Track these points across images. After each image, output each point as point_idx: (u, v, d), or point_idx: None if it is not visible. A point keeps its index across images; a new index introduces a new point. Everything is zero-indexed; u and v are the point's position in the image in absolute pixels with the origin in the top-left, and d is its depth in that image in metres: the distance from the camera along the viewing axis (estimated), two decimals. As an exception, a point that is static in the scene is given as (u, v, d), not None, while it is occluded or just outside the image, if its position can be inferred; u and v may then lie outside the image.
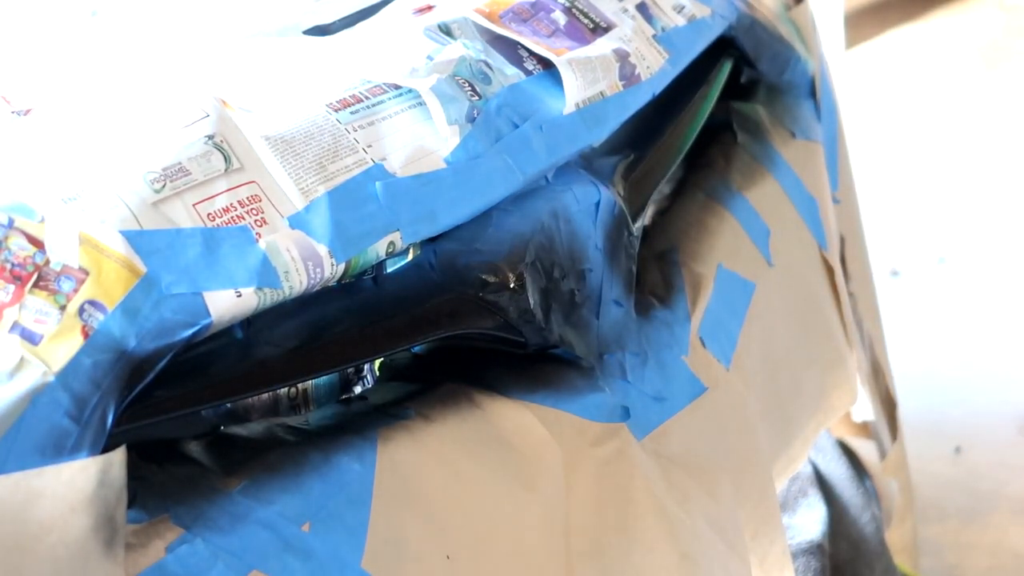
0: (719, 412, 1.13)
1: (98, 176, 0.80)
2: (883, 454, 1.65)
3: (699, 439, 1.10)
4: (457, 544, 0.88)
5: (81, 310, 0.73)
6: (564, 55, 1.05)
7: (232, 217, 0.81)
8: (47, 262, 0.75)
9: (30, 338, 0.73)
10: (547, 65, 1.05)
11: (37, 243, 0.75)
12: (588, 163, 1.20)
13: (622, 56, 1.10)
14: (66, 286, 0.74)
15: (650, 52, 1.15)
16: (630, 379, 1.06)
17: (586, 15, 1.13)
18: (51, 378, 0.71)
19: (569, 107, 1.03)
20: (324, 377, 1.09)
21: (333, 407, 0.95)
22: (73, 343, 0.73)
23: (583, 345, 1.04)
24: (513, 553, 0.91)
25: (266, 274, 0.79)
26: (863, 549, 1.59)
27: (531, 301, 1.00)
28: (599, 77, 1.06)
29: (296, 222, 0.83)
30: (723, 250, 1.24)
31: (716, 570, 1.05)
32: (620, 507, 0.99)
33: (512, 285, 0.99)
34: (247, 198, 0.82)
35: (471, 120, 0.96)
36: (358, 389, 1.09)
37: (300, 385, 1.10)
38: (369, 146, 0.90)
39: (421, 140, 0.93)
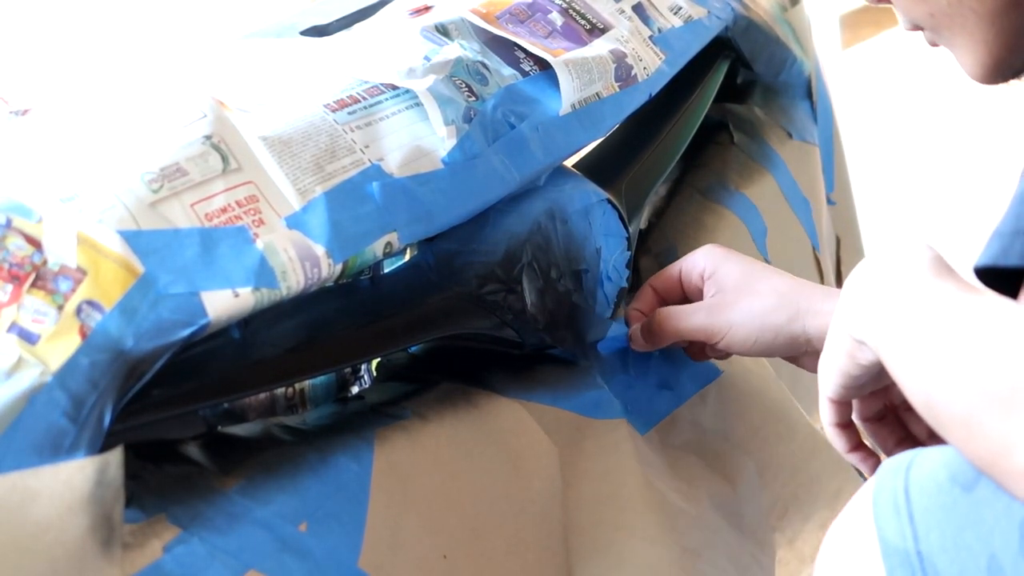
0: (739, 393, 1.11)
1: (96, 176, 0.80)
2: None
3: (714, 423, 1.09)
4: (454, 543, 0.88)
5: (79, 310, 0.74)
6: (561, 56, 1.05)
7: (230, 217, 0.81)
8: (45, 262, 0.75)
9: (28, 338, 0.73)
10: (544, 66, 1.05)
11: (35, 243, 0.75)
12: (585, 164, 1.21)
13: (619, 57, 1.10)
14: (64, 286, 0.74)
15: (647, 53, 1.15)
16: (632, 372, 1.06)
17: (583, 16, 1.13)
18: (49, 378, 0.71)
19: (565, 108, 1.03)
20: (321, 377, 1.09)
21: (330, 407, 0.95)
22: (71, 343, 0.73)
23: (580, 345, 1.05)
24: (510, 552, 0.92)
25: (263, 274, 0.79)
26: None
27: (528, 301, 1.00)
28: (595, 78, 1.07)
29: (293, 222, 0.83)
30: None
31: (721, 561, 1.05)
32: (619, 504, 0.99)
33: (509, 285, 0.99)
34: (245, 198, 0.82)
35: (468, 121, 0.96)
36: (355, 389, 1.10)
37: (297, 385, 1.10)
38: (366, 147, 0.90)
39: (418, 141, 0.93)
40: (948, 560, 0.64)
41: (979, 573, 0.63)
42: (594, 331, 1.05)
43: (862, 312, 0.74)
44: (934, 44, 0.89)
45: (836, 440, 0.86)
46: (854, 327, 0.75)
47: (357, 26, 1.11)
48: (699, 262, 1.04)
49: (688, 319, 1.01)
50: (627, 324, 1.06)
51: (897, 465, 0.68)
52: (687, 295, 1.06)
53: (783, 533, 1.11)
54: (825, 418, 0.85)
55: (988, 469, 0.63)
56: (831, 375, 0.80)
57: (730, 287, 1.01)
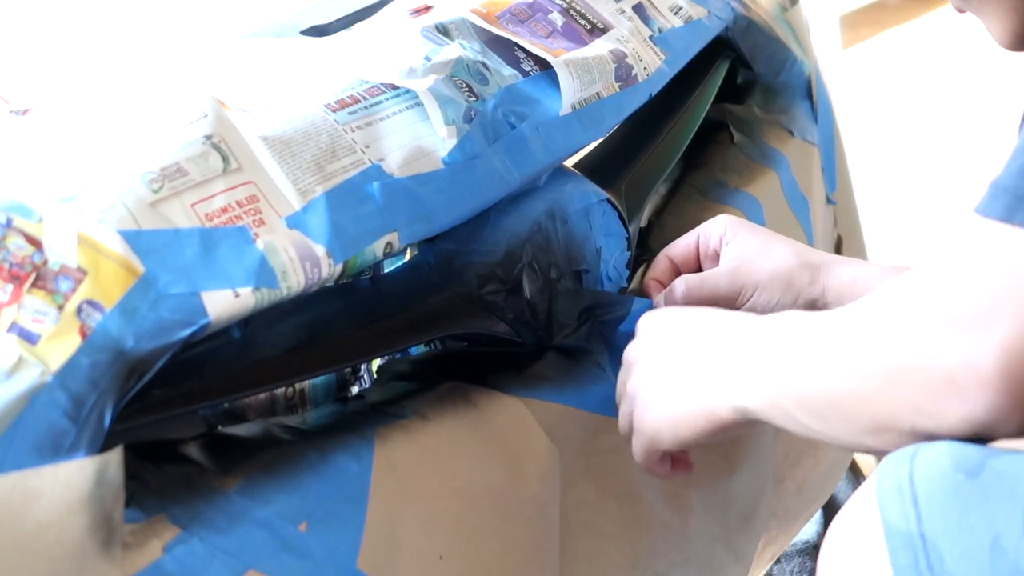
0: None
1: (96, 176, 0.80)
2: (878, 455, 1.65)
3: None
4: (450, 544, 0.88)
5: (79, 310, 0.74)
6: (561, 56, 1.05)
7: (230, 217, 0.81)
8: (45, 262, 0.75)
9: (28, 338, 0.73)
10: (544, 66, 1.05)
11: (35, 243, 0.75)
12: (585, 164, 1.21)
13: (619, 57, 1.11)
14: (64, 286, 0.74)
15: (647, 53, 1.15)
16: None
17: (583, 16, 1.13)
18: (49, 378, 0.71)
19: (566, 108, 1.03)
20: (321, 377, 1.09)
21: (330, 407, 0.95)
22: (71, 343, 0.73)
23: (583, 345, 1.04)
24: (505, 554, 0.91)
25: (264, 274, 0.79)
26: (858, 549, 1.59)
27: (528, 301, 1.00)
28: (595, 78, 1.07)
29: (294, 222, 0.83)
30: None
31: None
32: (608, 514, 0.99)
33: (509, 286, 0.99)
34: (245, 198, 0.82)
35: (468, 121, 0.96)
36: (355, 390, 1.10)
37: (297, 385, 1.10)
38: (367, 147, 0.90)
39: (419, 141, 0.93)
40: (951, 542, 0.64)
41: (982, 555, 0.63)
42: (619, 309, 1.04)
43: (729, 380, 0.79)
44: (961, 11, 0.90)
45: (657, 469, 0.90)
46: (733, 397, 0.79)
47: (357, 26, 1.11)
48: (717, 229, 1.06)
49: (714, 284, 1.03)
50: (646, 295, 1.07)
51: (901, 455, 0.69)
52: (703, 263, 1.08)
53: (793, 480, 1.11)
54: (645, 459, 0.89)
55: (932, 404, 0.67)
56: (684, 437, 0.84)
57: (750, 252, 1.03)
